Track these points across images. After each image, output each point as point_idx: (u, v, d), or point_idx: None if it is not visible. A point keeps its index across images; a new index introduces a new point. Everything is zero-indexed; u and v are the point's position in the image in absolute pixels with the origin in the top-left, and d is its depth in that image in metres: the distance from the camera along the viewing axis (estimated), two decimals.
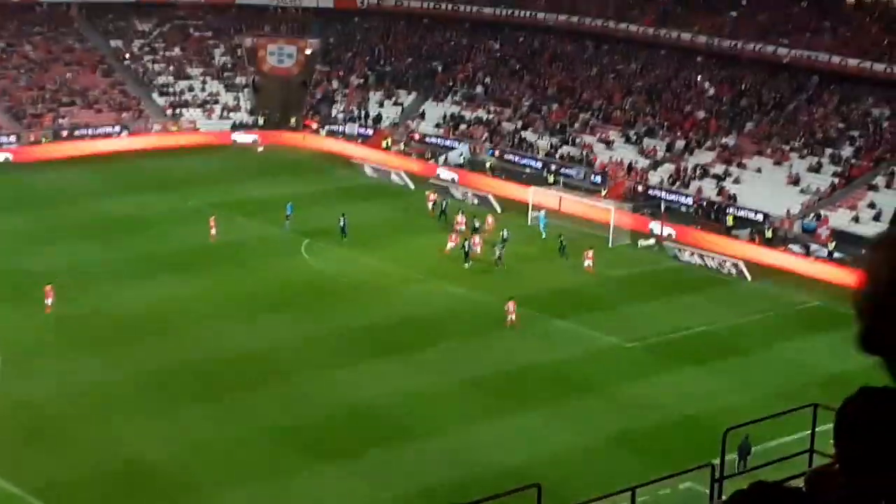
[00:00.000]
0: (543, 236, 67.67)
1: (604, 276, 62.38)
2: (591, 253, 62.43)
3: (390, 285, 58.99)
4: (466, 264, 61.37)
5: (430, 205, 72.49)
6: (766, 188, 73.90)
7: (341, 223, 64.88)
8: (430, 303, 56.50)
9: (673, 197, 75.70)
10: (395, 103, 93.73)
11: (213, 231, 64.25)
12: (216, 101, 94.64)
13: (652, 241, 68.40)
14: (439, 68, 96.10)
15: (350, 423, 43.79)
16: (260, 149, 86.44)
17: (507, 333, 53.26)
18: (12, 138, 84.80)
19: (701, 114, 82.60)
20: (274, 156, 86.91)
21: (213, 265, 60.98)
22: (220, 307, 55.01)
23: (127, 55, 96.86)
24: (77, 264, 60.03)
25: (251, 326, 52.80)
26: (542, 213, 69.77)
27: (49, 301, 52.51)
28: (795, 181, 73.73)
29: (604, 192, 76.71)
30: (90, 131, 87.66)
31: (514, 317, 53.38)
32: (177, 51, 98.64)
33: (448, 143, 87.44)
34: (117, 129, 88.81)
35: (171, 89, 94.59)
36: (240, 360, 48.99)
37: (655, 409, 45.88)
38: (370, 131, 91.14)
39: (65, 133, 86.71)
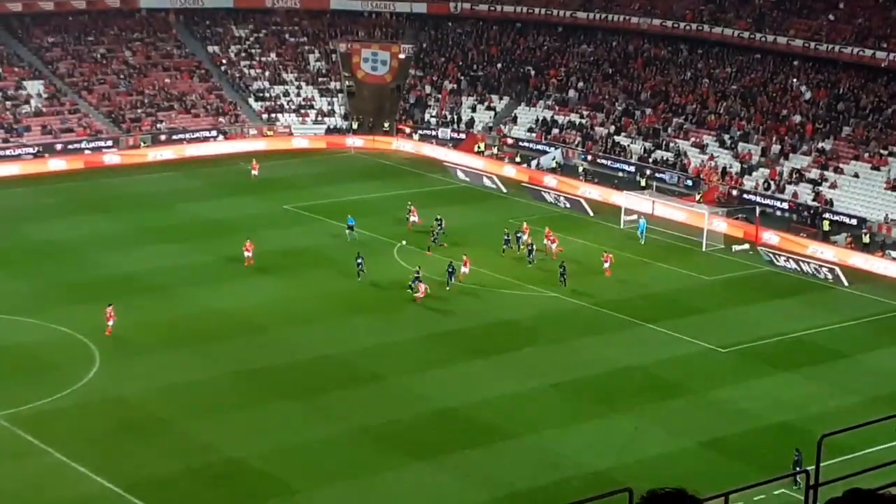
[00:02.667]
0: (642, 242, 67.15)
1: (698, 280, 62.02)
2: (610, 256, 61.41)
3: (482, 288, 59.09)
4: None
5: (412, 218, 68.35)
6: (863, 193, 72.92)
7: (359, 261, 59.22)
8: (522, 306, 56.52)
9: (768, 201, 75.01)
10: (488, 108, 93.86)
11: (249, 254, 60.70)
12: (311, 106, 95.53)
13: (746, 245, 67.79)
14: (532, 73, 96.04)
15: (440, 423, 43.97)
16: (255, 172, 79.37)
17: (601, 337, 53.13)
18: (111, 142, 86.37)
19: (797, 118, 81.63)
20: (367, 160, 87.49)
21: (306, 267, 61.52)
22: (312, 309, 55.51)
23: (224, 61, 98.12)
24: (173, 266, 60.99)
25: (343, 327, 53.20)
26: (643, 220, 68.98)
27: (111, 323, 50.69)
28: (894, 186, 72.62)
29: (698, 197, 76.20)
30: (187, 135, 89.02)
31: (422, 293, 55.41)
32: (272, 56, 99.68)
33: (540, 147, 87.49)
34: (214, 133, 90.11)
35: (266, 94, 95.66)
36: (331, 360, 49.41)
37: (749, 414, 45.48)
38: (463, 135, 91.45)
39: (163, 137, 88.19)
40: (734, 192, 76.94)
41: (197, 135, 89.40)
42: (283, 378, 47.60)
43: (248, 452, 41.03)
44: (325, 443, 42.04)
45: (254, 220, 69.58)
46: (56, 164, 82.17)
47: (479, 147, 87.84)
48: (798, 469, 37.27)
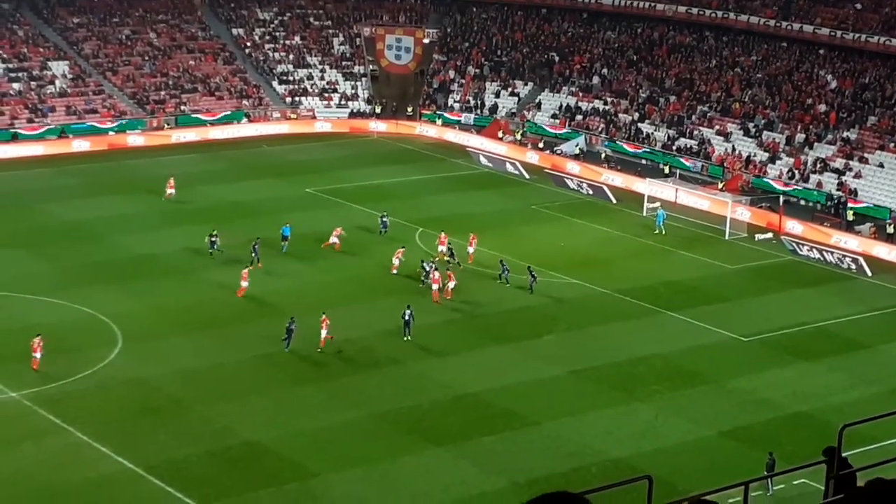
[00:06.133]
0: (662, 232, 66.67)
1: (720, 269, 61.79)
2: (400, 252, 57.92)
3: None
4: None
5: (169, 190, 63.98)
6: (888, 183, 72.52)
7: (291, 327, 48.77)
8: (542, 292, 56.38)
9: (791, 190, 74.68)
10: (512, 94, 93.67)
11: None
12: (335, 90, 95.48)
13: (769, 234, 67.52)
14: (556, 59, 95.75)
15: (459, 409, 43.92)
16: (170, 191, 70.46)
17: (621, 324, 53.02)
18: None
19: (822, 107, 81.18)
20: (390, 145, 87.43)
21: (325, 252, 61.42)
22: (331, 292, 55.42)
23: (248, 43, 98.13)
24: (195, 248, 60.87)
25: (362, 312, 53.13)
26: (661, 210, 68.21)
27: (37, 355, 45.61)
28: None
29: (721, 185, 75.91)
30: (211, 118, 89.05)
31: (326, 332, 48.37)
32: (297, 39, 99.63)
33: (564, 133, 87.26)
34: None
35: (290, 77, 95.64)
36: (350, 344, 49.38)
37: (770, 403, 45.33)
38: (486, 121, 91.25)
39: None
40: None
41: (220, 117, 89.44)
42: (303, 362, 47.65)
43: (266, 436, 41.11)
44: (343, 427, 42.08)
45: (276, 204, 69.58)
46: (80, 144, 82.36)
47: (513, 136, 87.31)
48: (769, 472, 37.00)
